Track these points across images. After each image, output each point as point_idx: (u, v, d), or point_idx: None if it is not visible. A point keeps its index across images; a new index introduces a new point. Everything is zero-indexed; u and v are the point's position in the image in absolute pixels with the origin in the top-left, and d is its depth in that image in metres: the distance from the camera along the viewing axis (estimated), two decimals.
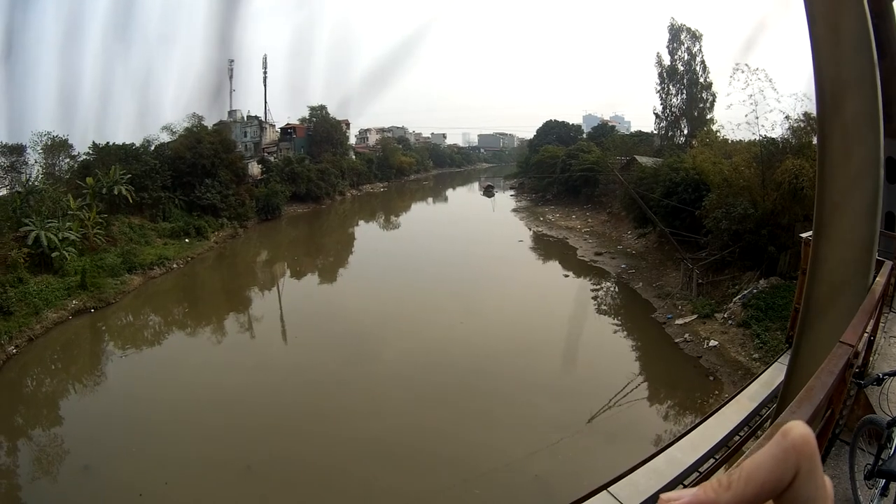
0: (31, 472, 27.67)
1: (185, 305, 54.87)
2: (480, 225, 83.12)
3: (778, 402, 10.74)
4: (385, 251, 71.68)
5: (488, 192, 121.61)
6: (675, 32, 78.92)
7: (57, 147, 68.95)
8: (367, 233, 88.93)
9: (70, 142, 70.13)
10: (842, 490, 7.00)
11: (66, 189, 62.81)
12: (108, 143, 73.56)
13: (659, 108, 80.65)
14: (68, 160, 70.85)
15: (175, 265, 62.67)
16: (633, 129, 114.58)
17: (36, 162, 66.78)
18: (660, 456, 13.02)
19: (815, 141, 37.73)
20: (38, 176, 64.49)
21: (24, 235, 50.92)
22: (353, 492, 23.68)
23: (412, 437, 27.12)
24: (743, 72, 45.34)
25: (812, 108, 39.40)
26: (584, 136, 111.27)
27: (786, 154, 42.29)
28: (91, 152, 72.51)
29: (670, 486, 11.67)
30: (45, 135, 67.29)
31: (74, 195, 61.45)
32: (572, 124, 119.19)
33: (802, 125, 43.17)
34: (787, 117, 44.23)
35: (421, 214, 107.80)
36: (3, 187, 62.52)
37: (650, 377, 33.74)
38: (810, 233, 9.16)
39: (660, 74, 79.74)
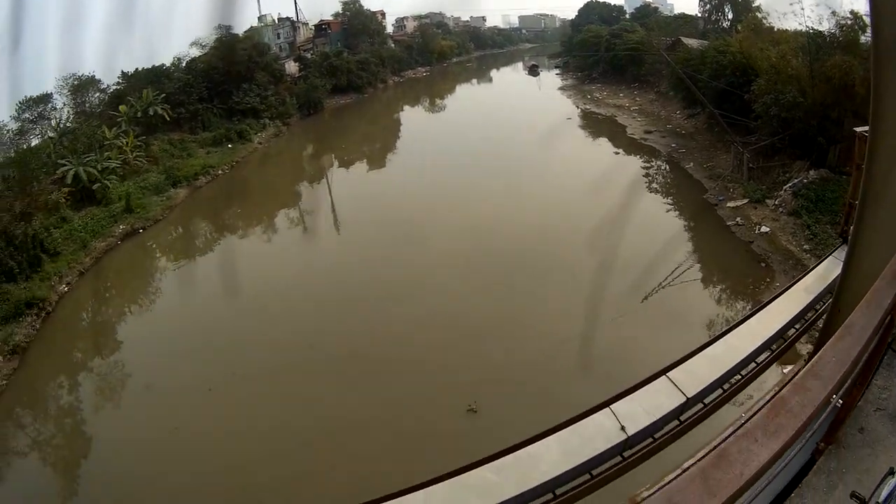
0: (94, 403, 28.69)
1: (234, 209, 55.40)
2: (527, 103, 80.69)
3: (834, 298, 10.66)
4: (433, 134, 71.14)
5: (533, 70, 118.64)
6: None
7: (84, 85, 69.16)
8: (412, 117, 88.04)
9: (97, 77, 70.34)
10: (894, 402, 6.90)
11: (100, 122, 63.40)
12: (136, 69, 74.20)
13: None
14: (98, 94, 71.20)
15: (220, 172, 63.31)
16: (677, 11, 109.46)
17: (64, 105, 67.18)
18: (717, 343, 12.81)
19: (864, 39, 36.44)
20: (68, 117, 65.22)
21: (62, 176, 51.48)
22: (410, 366, 24.43)
23: (470, 316, 27.37)
24: None
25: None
26: (627, 16, 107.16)
27: (834, 49, 40.17)
28: (121, 81, 72.93)
29: (728, 376, 12.00)
30: (69, 76, 67.61)
31: (109, 125, 62.16)
32: (614, 5, 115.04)
33: (849, 22, 40.83)
34: (834, 13, 41.87)
35: (466, 95, 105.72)
36: (35, 137, 63.01)
37: (702, 259, 33.12)
38: (866, 128, 8.91)
39: None
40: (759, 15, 60.06)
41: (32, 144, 60.22)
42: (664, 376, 11.59)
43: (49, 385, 31.52)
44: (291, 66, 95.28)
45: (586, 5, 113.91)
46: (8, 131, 61.42)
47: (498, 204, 40.77)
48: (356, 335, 26.90)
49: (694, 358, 12.20)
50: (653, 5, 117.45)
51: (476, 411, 21.45)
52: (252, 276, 37.70)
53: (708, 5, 77.06)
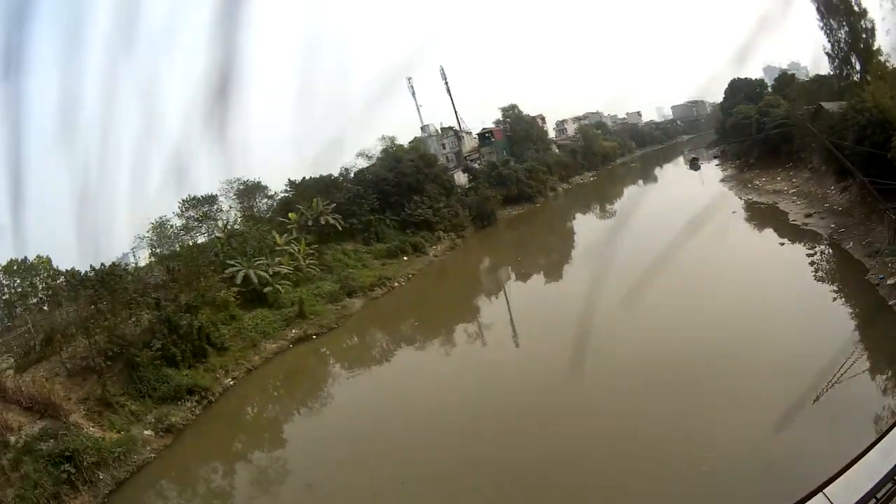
0: (248, 492, 28.24)
1: (411, 321, 52.23)
2: (694, 199, 76.17)
3: None
4: (605, 239, 65.27)
5: (694, 165, 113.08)
6: None
7: (251, 190, 69.96)
8: (585, 225, 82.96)
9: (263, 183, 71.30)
10: None
11: (269, 227, 63.01)
12: (303, 178, 73.62)
13: (828, 47, 68.21)
14: (266, 200, 71.92)
15: (396, 284, 60.18)
16: (812, 73, 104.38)
17: (231, 207, 68.34)
18: (873, 450, 11.99)
19: None
20: (236, 219, 65.68)
21: (231, 276, 50.61)
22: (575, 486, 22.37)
23: (645, 425, 24.62)
24: None
25: None
26: (769, 89, 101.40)
27: None
28: (288, 189, 72.94)
29: (882, 484, 11.01)
30: (234, 181, 68.57)
31: (279, 231, 61.38)
32: (755, 79, 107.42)
33: None
34: None
35: (634, 197, 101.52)
36: (200, 234, 63.94)
37: (869, 347, 28.28)
38: None
39: (818, 10, 67.58)
40: (882, 58, 56.10)
41: (198, 241, 61.14)
42: (820, 493, 11.14)
43: (201, 467, 32.11)
44: (461, 177, 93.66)
45: (730, 85, 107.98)
46: (172, 227, 62.17)
47: (673, 308, 37.38)
48: (529, 453, 24.71)
49: (851, 468, 11.57)
50: (789, 72, 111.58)
51: None
52: (427, 389, 36.05)
53: (836, 60, 69.23)
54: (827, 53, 69.60)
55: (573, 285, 51.03)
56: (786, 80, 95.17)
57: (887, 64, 51.32)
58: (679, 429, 23.77)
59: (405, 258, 67.25)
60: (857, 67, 66.67)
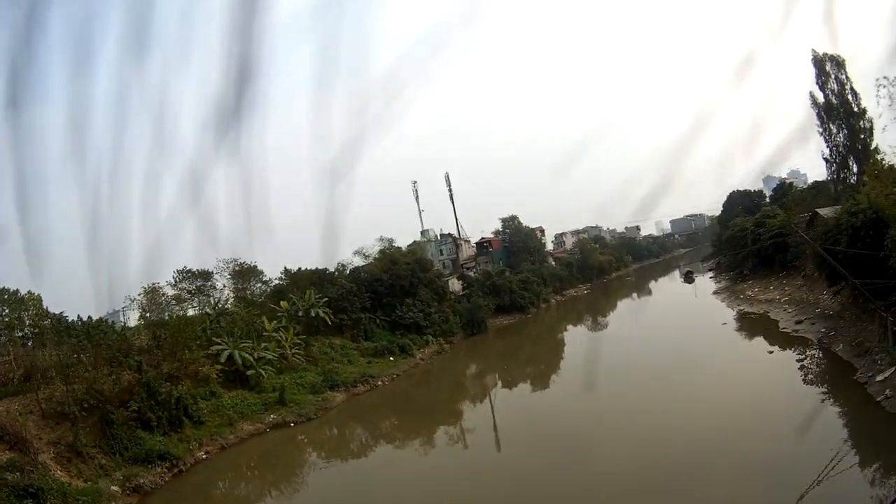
0: None
1: (391, 419, 52.04)
2: (685, 313, 78.08)
3: None
4: (594, 352, 65.94)
5: (688, 278, 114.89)
6: (820, 64, 69.98)
7: (246, 272, 70.48)
8: (575, 338, 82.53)
9: (259, 268, 72.12)
10: None
11: (260, 312, 63.32)
12: (299, 268, 74.49)
13: (826, 152, 71.69)
14: (260, 284, 72.28)
15: (380, 382, 59.92)
16: (811, 179, 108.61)
17: (224, 286, 69.04)
18: None
19: None
20: (227, 299, 66.11)
21: (216, 353, 50.60)
22: None
23: None
24: (884, 86, 41.16)
25: None
26: (767, 199, 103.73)
27: None
28: (283, 277, 73.53)
29: None
30: (231, 261, 69.10)
31: (269, 317, 61.52)
32: (754, 191, 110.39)
33: None
34: None
35: (627, 311, 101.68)
36: (191, 307, 64.19)
37: (857, 444, 28.76)
38: None
39: (818, 115, 70.51)
40: (878, 157, 56.19)
41: (188, 314, 61.28)
42: None
43: None
44: (455, 284, 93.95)
45: (729, 198, 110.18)
46: (164, 295, 62.31)
47: (662, 413, 37.18)
48: None
49: None
50: (788, 181, 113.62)
51: None
52: (402, 486, 35.15)
53: (833, 165, 71.28)
54: (825, 159, 71.71)
55: (560, 394, 51.35)
56: (784, 190, 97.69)
57: (884, 162, 51.94)
58: None
59: (391, 358, 67.05)
60: (855, 169, 68.13)
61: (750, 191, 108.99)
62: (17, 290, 48.22)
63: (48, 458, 32.45)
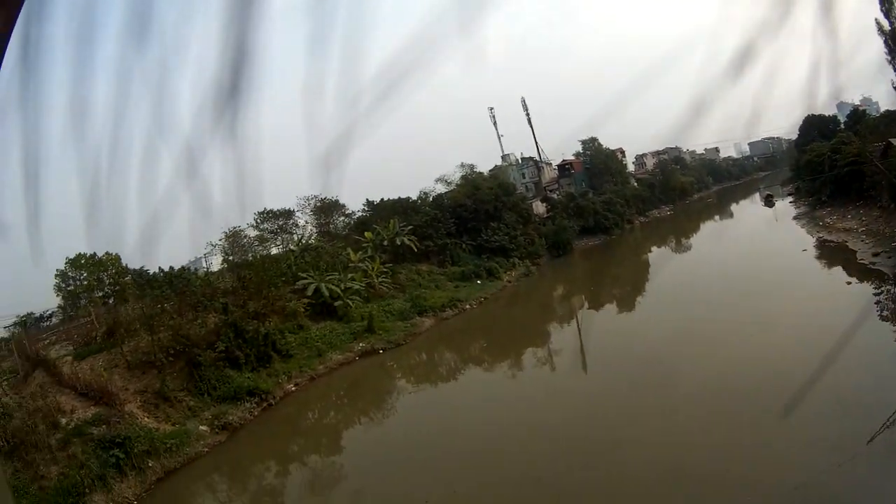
0: (299, 493, 28.19)
1: (480, 342, 51.67)
2: (766, 237, 74.08)
3: None
4: (679, 273, 64.97)
5: (768, 201, 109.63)
6: None
7: (328, 208, 70.66)
8: (660, 258, 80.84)
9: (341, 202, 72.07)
10: None
11: (345, 244, 63.55)
12: (381, 199, 74.35)
13: None
14: (343, 218, 72.66)
15: (468, 306, 59.57)
16: (882, 108, 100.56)
17: (307, 223, 69.45)
18: None
19: None
20: (311, 235, 66.68)
21: (302, 288, 51.01)
22: None
23: (704, 458, 23.63)
24: None
25: None
26: (842, 126, 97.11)
27: None
28: (366, 209, 73.74)
29: None
30: (312, 197, 69.49)
31: (354, 249, 61.65)
32: (829, 116, 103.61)
33: None
34: None
35: (709, 233, 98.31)
36: (274, 246, 65.08)
37: None
38: None
39: (885, 42, 64.44)
40: None
41: (271, 252, 62.13)
42: None
43: (254, 465, 31.87)
44: (539, 207, 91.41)
45: (804, 122, 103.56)
46: (246, 237, 63.19)
47: (742, 344, 35.15)
48: (584, 475, 23.95)
49: None
50: (860, 108, 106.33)
51: None
52: (490, 409, 34.42)
53: None
54: (895, 87, 66.93)
55: (645, 316, 50.54)
56: (857, 117, 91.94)
57: None
58: (736, 461, 22.73)
59: (479, 282, 66.69)
60: None
61: (824, 116, 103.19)
62: (95, 252, 49.92)
63: (135, 407, 33.14)
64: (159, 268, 43.80)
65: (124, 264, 50.93)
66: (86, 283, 49.68)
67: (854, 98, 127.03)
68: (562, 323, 55.51)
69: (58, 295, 50.07)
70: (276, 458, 32.11)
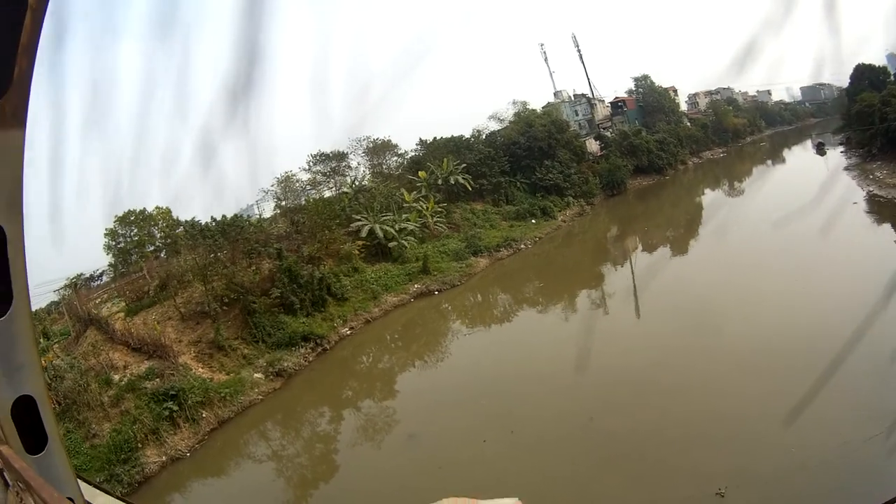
0: (353, 439, 27.88)
1: (535, 283, 50.47)
2: (818, 186, 70.85)
3: None
4: (733, 220, 61.05)
5: (820, 150, 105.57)
6: None
7: (380, 148, 68.61)
8: (714, 201, 78.95)
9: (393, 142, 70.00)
10: None
11: (398, 185, 61.82)
12: (434, 138, 71.84)
13: None
14: (396, 158, 70.33)
15: (523, 246, 58.12)
16: None
17: (359, 164, 67.24)
18: None
19: None
20: (364, 176, 64.57)
21: (356, 230, 49.93)
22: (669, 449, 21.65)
23: (743, 407, 23.56)
24: None
25: None
26: (893, 77, 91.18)
27: None
28: (419, 148, 71.37)
29: None
30: (364, 139, 67.40)
31: (408, 189, 59.98)
32: (879, 66, 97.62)
33: None
34: None
35: (762, 178, 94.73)
36: (327, 189, 63.38)
37: None
38: None
39: None
40: None
41: (324, 196, 60.45)
42: None
43: (308, 411, 31.89)
44: (592, 145, 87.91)
45: (856, 70, 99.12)
46: (298, 181, 61.40)
47: (789, 297, 34.46)
48: (633, 416, 24.10)
49: None
50: None
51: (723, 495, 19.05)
52: (544, 352, 33.71)
53: None
54: None
55: (698, 262, 49.53)
56: None
57: None
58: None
59: (533, 221, 65.11)
60: None
61: (875, 66, 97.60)
62: (144, 208, 49.08)
63: (188, 358, 32.64)
64: (211, 217, 42.51)
65: (175, 217, 50.08)
66: (136, 238, 48.85)
67: None
68: (615, 265, 54.25)
69: (108, 253, 49.30)
70: (331, 404, 32.18)
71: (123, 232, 48.92)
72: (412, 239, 52.01)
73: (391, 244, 49.82)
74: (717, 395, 24.59)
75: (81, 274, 49.10)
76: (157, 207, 49.63)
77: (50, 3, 4.17)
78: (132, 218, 48.47)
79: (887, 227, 48.50)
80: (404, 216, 54.11)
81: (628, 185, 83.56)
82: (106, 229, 48.27)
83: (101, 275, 51.01)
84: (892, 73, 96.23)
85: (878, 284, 33.13)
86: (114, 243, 49.06)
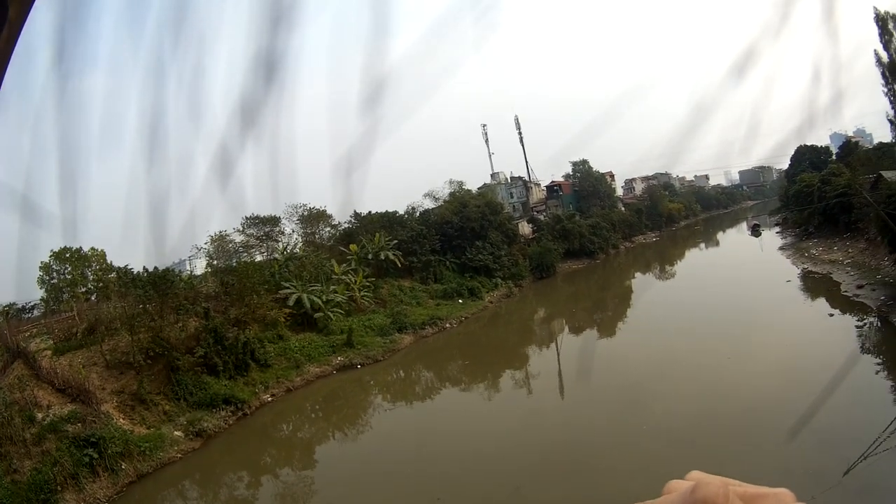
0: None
1: (458, 361, 52.01)
2: (751, 267, 74.56)
3: None
4: (662, 301, 65.04)
5: (755, 231, 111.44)
6: (883, 23, 63.77)
7: (315, 217, 70.39)
8: (643, 285, 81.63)
9: (328, 212, 71.60)
10: None
11: (329, 255, 63.32)
12: (369, 212, 73.93)
13: (891, 113, 67.73)
14: (329, 229, 72.18)
15: (448, 325, 59.75)
16: (876, 140, 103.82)
17: (293, 231, 69.02)
18: None
19: None
20: (296, 244, 66.04)
21: (284, 297, 51.00)
22: None
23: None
24: None
25: None
26: (833, 157, 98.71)
27: None
28: (353, 220, 73.09)
29: None
30: (300, 206, 69.17)
31: (339, 260, 61.65)
32: (821, 147, 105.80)
33: None
34: None
35: (694, 261, 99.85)
36: (259, 253, 64.80)
37: None
38: None
39: (882, 74, 65.41)
40: None
41: (256, 259, 61.83)
42: None
43: (226, 474, 32.08)
44: (525, 227, 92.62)
45: (797, 152, 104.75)
46: (231, 241, 63.17)
47: (720, 373, 36.20)
48: (564, 489, 24.79)
49: None
50: (853, 139, 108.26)
51: None
52: (466, 429, 34.95)
53: None
54: (890, 120, 68.42)
55: (625, 342, 50.96)
56: (850, 148, 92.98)
57: None
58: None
59: (460, 301, 66.79)
60: None
61: (817, 146, 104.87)
62: (80, 247, 50.18)
63: (111, 407, 33.29)
64: (143, 267, 43.82)
65: (109, 261, 51.16)
66: (70, 277, 49.73)
67: (848, 129, 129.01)
68: (541, 346, 55.89)
69: (41, 287, 50.02)
70: (249, 469, 32.30)
71: (58, 268, 49.69)
72: (339, 311, 53.19)
73: (317, 315, 50.99)
74: (636, 473, 24.79)
75: (14, 304, 49.38)
76: (92, 249, 50.65)
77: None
78: (67, 255, 49.26)
79: (821, 301, 51.27)
80: (332, 287, 55.37)
81: (558, 269, 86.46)
82: (41, 263, 48.86)
83: (33, 307, 51.40)
84: (833, 152, 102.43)
85: (812, 357, 35.82)
86: (47, 278, 49.66)
